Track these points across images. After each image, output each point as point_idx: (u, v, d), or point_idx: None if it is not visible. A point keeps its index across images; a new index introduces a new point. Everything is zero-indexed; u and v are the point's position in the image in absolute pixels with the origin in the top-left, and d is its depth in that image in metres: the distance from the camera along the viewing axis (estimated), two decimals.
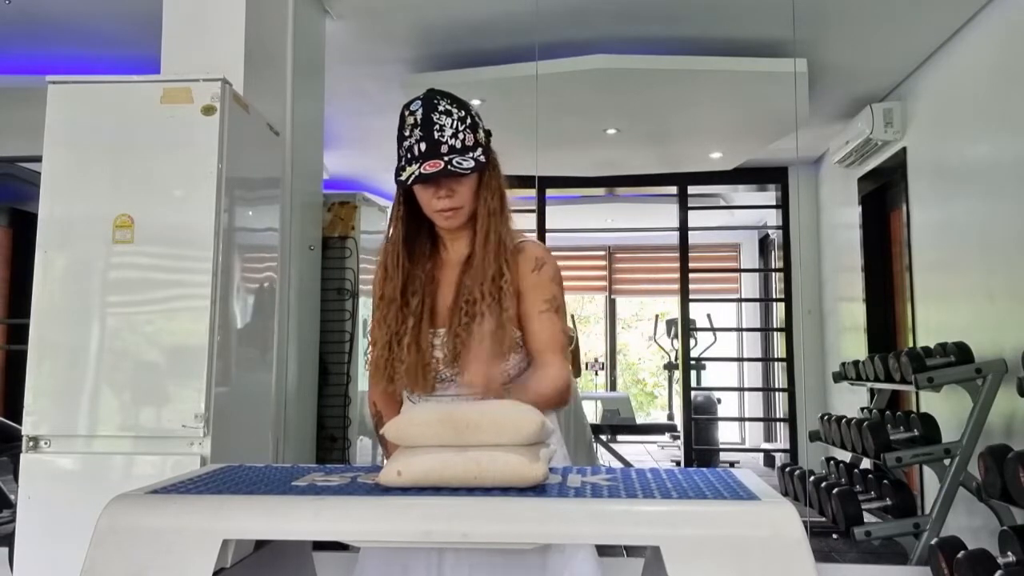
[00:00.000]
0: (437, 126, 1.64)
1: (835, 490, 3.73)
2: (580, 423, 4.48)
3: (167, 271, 2.41)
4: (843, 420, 4.01)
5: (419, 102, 1.68)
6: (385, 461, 1.59)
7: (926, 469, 3.97)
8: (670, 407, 8.59)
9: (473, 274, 1.68)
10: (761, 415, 8.01)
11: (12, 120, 3.99)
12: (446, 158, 1.62)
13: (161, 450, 2.33)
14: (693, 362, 6.75)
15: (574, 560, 1.55)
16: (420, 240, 1.76)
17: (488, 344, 1.62)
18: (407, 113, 1.68)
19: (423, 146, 1.63)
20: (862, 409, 4.36)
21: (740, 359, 8.48)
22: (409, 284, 1.72)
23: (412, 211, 1.74)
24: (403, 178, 1.64)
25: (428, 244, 1.77)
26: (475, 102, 4.33)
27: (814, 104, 4.55)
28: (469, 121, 1.68)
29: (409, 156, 1.64)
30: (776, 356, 7.04)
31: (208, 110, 2.43)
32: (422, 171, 1.61)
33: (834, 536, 3.85)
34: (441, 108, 1.66)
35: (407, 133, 1.66)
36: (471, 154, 1.65)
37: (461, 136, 1.65)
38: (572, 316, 5.28)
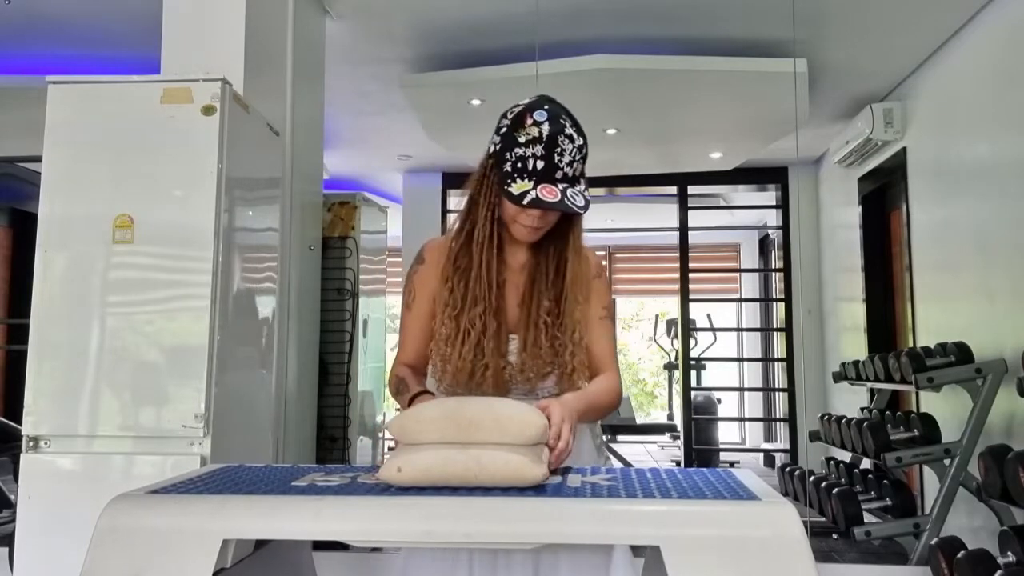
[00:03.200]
0: (559, 149, 1.60)
1: (835, 490, 3.73)
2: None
3: (167, 271, 2.40)
4: (843, 420, 4.00)
5: (545, 114, 1.62)
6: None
7: (926, 469, 3.97)
8: (670, 407, 8.59)
9: (549, 294, 1.72)
10: (761, 415, 8.01)
11: (12, 120, 3.99)
12: (560, 186, 1.59)
13: (161, 450, 2.33)
14: (693, 362, 6.75)
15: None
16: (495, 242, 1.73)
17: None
18: (530, 122, 1.61)
19: (540, 164, 1.59)
20: (862, 409, 4.36)
21: (740, 359, 8.48)
22: (500, 288, 1.70)
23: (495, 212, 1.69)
24: (516, 195, 1.58)
25: (498, 248, 1.73)
26: (475, 102, 4.34)
27: (814, 104, 4.55)
28: (584, 152, 1.65)
29: (521, 168, 1.59)
30: (776, 356, 7.04)
31: (208, 110, 2.43)
32: (540, 195, 1.57)
33: (834, 536, 3.85)
34: (567, 132, 1.62)
35: (522, 140, 1.60)
36: (579, 187, 1.64)
37: (575, 166, 1.62)
38: None
